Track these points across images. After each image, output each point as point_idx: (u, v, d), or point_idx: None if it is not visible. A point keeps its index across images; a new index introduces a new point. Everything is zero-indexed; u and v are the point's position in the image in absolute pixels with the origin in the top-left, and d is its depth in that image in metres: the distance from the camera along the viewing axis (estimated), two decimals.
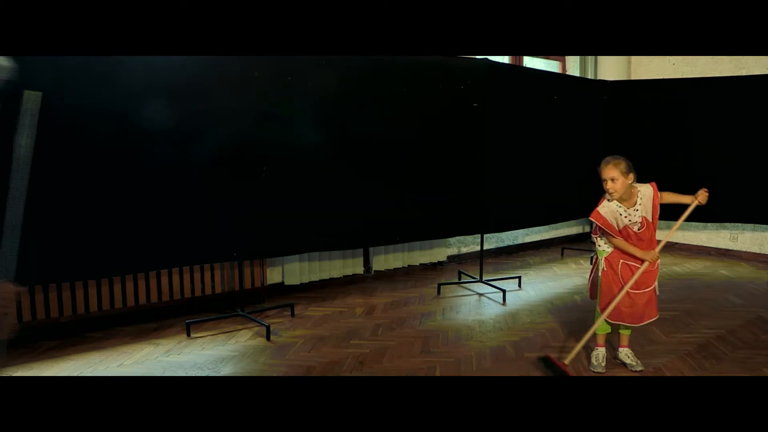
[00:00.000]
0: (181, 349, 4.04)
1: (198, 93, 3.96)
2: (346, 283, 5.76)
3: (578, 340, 4.02)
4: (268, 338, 4.23)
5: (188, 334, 4.31)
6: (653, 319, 3.66)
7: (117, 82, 3.62)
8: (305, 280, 5.47)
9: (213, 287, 4.87)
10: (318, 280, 5.58)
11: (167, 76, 3.82)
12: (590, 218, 3.56)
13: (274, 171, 4.32)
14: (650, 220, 3.52)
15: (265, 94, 4.24)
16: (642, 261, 3.51)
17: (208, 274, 4.83)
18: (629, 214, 3.49)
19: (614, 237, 3.52)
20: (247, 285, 5.03)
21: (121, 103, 3.65)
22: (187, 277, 4.73)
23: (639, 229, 3.51)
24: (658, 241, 3.61)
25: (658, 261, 3.59)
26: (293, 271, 5.37)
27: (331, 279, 5.70)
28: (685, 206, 3.60)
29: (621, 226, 3.51)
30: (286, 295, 5.30)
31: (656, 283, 3.64)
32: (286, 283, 5.37)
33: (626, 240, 3.54)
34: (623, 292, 3.51)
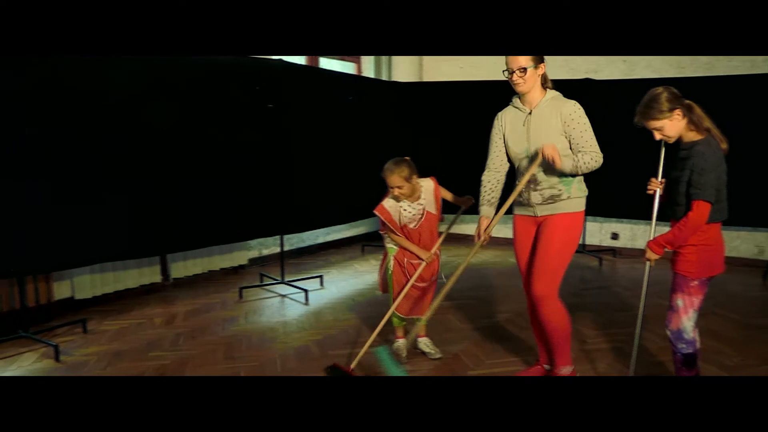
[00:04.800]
0: None
1: None
2: (144, 292, 5.52)
3: (380, 335, 4.20)
4: (57, 359, 3.94)
5: None
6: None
7: None
8: (98, 292, 5.15)
9: None
10: (113, 291, 5.28)
11: None
12: (374, 211, 3.72)
13: (57, 177, 4.05)
14: (433, 212, 3.78)
15: (30, 94, 3.92)
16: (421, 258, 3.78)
17: None
18: (412, 208, 3.71)
19: (395, 234, 3.73)
20: (31, 302, 4.63)
21: None
22: None
23: (415, 226, 3.74)
24: (440, 234, 3.90)
25: (439, 253, 3.88)
26: (84, 283, 5.03)
27: (127, 290, 5.42)
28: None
29: (402, 223, 3.72)
30: (77, 311, 4.95)
31: (438, 274, 3.94)
32: (77, 297, 5.03)
33: (407, 237, 3.77)
34: (407, 288, 3.74)
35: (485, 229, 3.32)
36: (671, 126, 2.85)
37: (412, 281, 3.74)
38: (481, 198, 3.41)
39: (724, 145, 2.82)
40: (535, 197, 3.25)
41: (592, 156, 3.10)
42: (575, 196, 3.23)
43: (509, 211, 3.42)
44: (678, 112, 2.82)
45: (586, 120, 3.15)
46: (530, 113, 3.22)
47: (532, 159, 3.19)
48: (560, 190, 3.21)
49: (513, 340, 4.27)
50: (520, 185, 3.20)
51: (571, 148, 3.17)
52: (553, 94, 3.24)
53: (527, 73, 3.11)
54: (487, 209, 3.37)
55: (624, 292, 5.61)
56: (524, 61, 3.08)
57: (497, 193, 3.40)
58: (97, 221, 4.31)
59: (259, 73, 5.29)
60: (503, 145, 3.36)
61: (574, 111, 3.13)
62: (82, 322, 4.55)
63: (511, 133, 3.29)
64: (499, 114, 3.39)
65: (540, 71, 3.17)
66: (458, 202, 3.87)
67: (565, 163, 3.08)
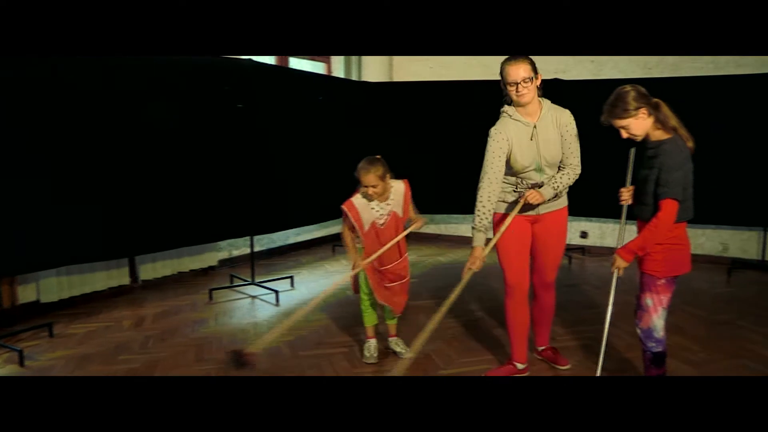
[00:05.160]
0: None
1: None
2: (112, 295, 5.44)
3: (351, 335, 4.22)
4: (21, 364, 3.86)
5: None
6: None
7: None
8: (65, 295, 5.06)
9: None
10: (80, 294, 5.20)
11: None
12: (342, 207, 3.69)
13: (22, 178, 4.00)
14: (400, 215, 3.78)
15: None
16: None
17: None
18: (381, 208, 3.71)
19: (347, 233, 3.73)
20: None
21: None
22: None
23: (383, 224, 3.74)
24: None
25: (406, 254, 3.88)
26: (50, 286, 4.95)
27: (95, 292, 5.33)
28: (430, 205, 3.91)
29: (369, 221, 3.71)
30: (43, 314, 4.85)
31: (408, 276, 3.94)
32: (43, 300, 4.94)
33: (369, 236, 3.74)
34: (350, 275, 3.79)
35: (481, 258, 3.29)
36: (637, 125, 2.88)
37: (376, 255, 3.71)
38: (477, 220, 3.28)
39: (690, 144, 2.86)
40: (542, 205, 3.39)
41: (567, 172, 3.29)
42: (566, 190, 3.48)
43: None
44: (644, 110, 2.85)
45: (576, 131, 3.28)
46: (535, 126, 3.25)
47: (516, 202, 3.32)
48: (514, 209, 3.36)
49: (484, 339, 4.30)
50: (513, 213, 3.30)
51: None
52: (548, 103, 3.31)
53: (531, 83, 3.14)
54: (481, 237, 3.30)
55: (593, 290, 5.67)
56: (527, 71, 3.12)
57: (491, 216, 3.34)
58: (64, 223, 4.25)
59: (229, 73, 5.25)
60: (506, 160, 3.29)
61: (570, 122, 3.28)
62: (47, 326, 4.46)
63: (519, 148, 3.26)
64: (499, 129, 3.29)
65: (538, 80, 3.21)
66: (412, 219, 3.85)
67: (547, 194, 3.23)
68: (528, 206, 3.33)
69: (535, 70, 3.16)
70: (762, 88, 6.00)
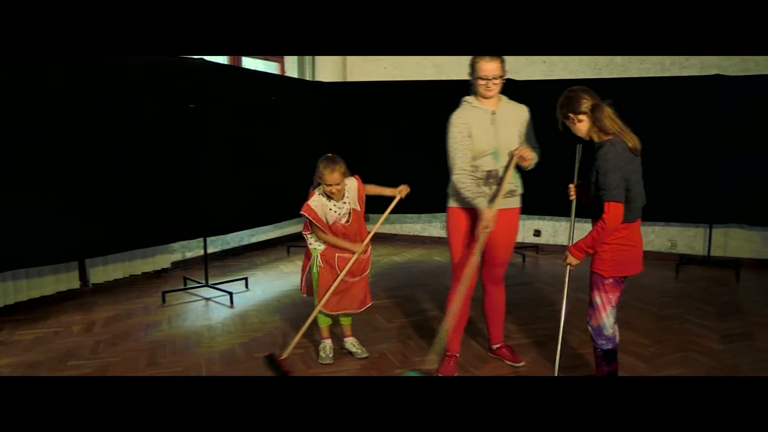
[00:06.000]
0: None
1: None
2: (61, 299, 5.30)
3: (306, 336, 4.19)
4: None
5: None
6: (369, 305, 3.95)
7: None
8: (10, 300, 4.91)
9: None
10: (27, 299, 5.04)
11: None
12: (301, 212, 3.68)
13: None
14: (359, 210, 3.78)
15: None
16: (353, 252, 3.76)
17: None
18: (339, 208, 3.71)
19: (323, 232, 3.71)
20: None
21: None
22: None
23: (347, 222, 3.74)
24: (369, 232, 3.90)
25: (369, 248, 3.87)
26: None
27: (43, 297, 5.18)
28: (391, 199, 3.91)
29: (330, 221, 3.71)
30: None
31: (369, 270, 3.93)
32: None
33: (336, 234, 3.75)
34: (337, 282, 3.71)
35: (491, 218, 3.32)
36: (575, 127, 2.98)
37: (342, 275, 3.71)
38: (468, 194, 3.35)
39: (632, 144, 2.90)
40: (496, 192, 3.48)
41: (538, 152, 3.48)
42: (521, 191, 3.59)
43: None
44: (575, 116, 2.93)
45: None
46: (494, 113, 3.43)
47: (508, 161, 3.42)
48: (516, 185, 3.52)
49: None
50: (507, 179, 3.38)
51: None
52: (505, 98, 3.53)
53: (501, 79, 3.36)
54: (482, 201, 3.36)
55: (546, 288, 5.76)
56: (500, 69, 3.32)
57: (475, 186, 3.41)
58: (9, 225, 4.11)
59: (180, 73, 5.17)
60: (468, 144, 3.41)
61: (528, 115, 3.56)
62: None
63: (478, 131, 3.40)
64: (458, 115, 3.43)
65: (504, 78, 3.40)
66: (391, 192, 3.87)
67: (530, 153, 3.40)
68: (522, 165, 3.45)
69: (504, 68, 3.35)
70: (706, 89, 6.19)
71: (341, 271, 3.74)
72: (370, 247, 3.89)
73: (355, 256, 3.73)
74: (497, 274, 3.73)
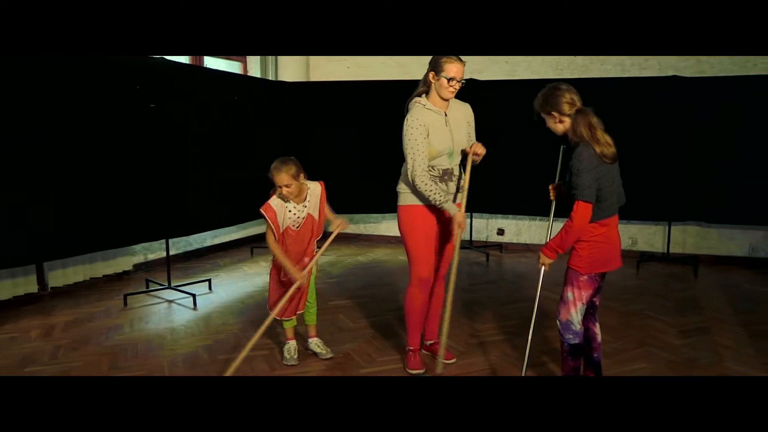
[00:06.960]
0: None
1: None
2: (18, 304, 5.16)
3: (270, 337, 4.18)
4: None
5: None
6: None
7: None
8: None
9: None
10: None
11: None
12: (260, 210, 3.64)
13: None
14: (315, 218, 3.75)
15: None
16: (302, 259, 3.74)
17: None
18: (299, 211, 3.68)
19: (274, 239, 3.64)
20: None
21: None
22: None
23: (298, 227, 3.71)
24: (318, 249, 3.86)
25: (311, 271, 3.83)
26: None
27: (0, 302, 5.07)
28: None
29: (287, 224, 3.67)
30: None
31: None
32: None
33: (285, 238, 3.70)
34: (291, 291, 3.64)
35: (462, 218, 3.49)
36: (554, 126, 3.01)
37: (291, 290, 3.60)
38: (435, 198, 3.39)
39: (599, 151, 2.91)
40: (452, 188, 3.59)
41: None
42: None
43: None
44: (562, 116, 2.95)
45: None
46: (446, 114, 3.50)
47: (464, 158, 3.59)
48: (462, 181, 3.61)
49: (404, 337, 4.31)
50: (467, 177, 3.54)
51: None
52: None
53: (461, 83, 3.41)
54: (450, 205, 3.44)
55: (511, 286, 5.81)
56: (463, 72, 3.37)
57: (441, 189, 3.47)
58: None
59: (140, 72, 5.09)
60: (426, 145, 3.42)
61: (472, 112, 3.67)
62: None
63: (435, 133, 3.43)
64: (414, 116, 3.42)
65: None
66: (333, 222, 3.81)
67: (484, 153, 3.56)
68: (474, 161, 3.58)
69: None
70: (664, 90, 6.32)
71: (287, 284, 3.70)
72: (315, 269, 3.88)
73: (295, 285, 3.61)
74: (443, 272, 3.82)
